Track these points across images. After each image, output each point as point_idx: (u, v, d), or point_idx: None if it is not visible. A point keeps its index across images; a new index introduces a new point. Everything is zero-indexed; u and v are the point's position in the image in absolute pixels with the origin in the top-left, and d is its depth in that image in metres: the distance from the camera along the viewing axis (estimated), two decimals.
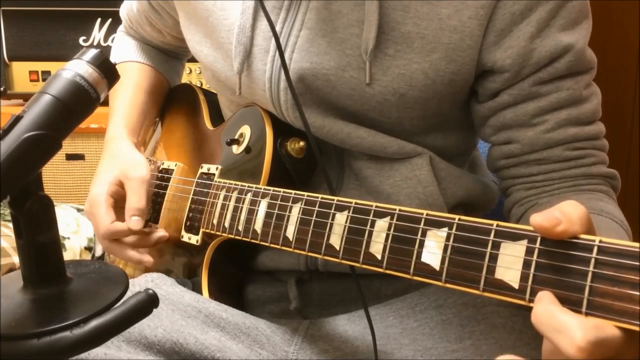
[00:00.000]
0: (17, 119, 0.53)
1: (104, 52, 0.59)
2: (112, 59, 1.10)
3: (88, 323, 0.51)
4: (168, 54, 1.17)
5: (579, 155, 0.81)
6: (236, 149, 0.90)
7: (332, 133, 0.82)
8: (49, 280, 0.56)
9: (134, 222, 0.88)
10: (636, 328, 0.44)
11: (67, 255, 1.49)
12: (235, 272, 0.93)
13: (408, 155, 0.84)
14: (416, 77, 0.78)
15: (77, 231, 1.56)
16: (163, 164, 1.04)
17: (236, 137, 0.90)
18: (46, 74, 1.78)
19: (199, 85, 1.76)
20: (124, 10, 1.15)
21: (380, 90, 0.79)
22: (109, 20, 1.76)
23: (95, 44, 1.77)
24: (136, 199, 0.90)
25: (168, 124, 1.12)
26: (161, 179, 1.02)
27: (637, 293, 0.44)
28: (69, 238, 1.53)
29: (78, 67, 0.57)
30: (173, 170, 1.00)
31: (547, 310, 0.47)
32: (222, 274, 0.89)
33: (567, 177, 0.81)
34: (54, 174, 1.74)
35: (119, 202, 0.93)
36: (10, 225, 1.20)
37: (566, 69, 0.78)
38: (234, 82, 0.86)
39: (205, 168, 0.94)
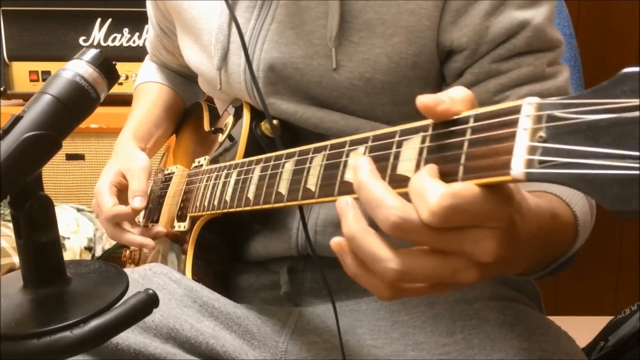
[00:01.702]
0: (17, 119, 0.53)
1: (104, 52, 0.59)
2: (137, 81, 1.22)
3: (88, 323, 0.51)
4: (185, 77, 1.22)
5: None
6: (221, 137, 0.95)
7: (304, 118, 0.85)
8: (49, 280, 0.56)
9: (137, 201, 0.93)
10: (502, 179, 0.44)
11: (67, 255, 1.49)
12: (222, 257, 0.95)
13: None
14: (380, 61, 0.81)
15: (77, 231, 1.56)
16: (168, 170, 1.08)
17: (222, 127, 0.95)
18: (46, 74, 1.78)
19: None
20: (147, 39, 1.22)
21: (347, 75, 0.82)
22: (109, 20, 1.76)
23: (95, 44, 1.77)
24: (137, 183, 0.95)
25: (179, 139, 1.18)
26: (165, 182, 1.06)
27: (501, 145, 0.44)
28: (69, 238, 1.53)
29: (78, 67, 0.57)
30: (174, 173, 1.03)
31: (419, 177, 0.47)
32: (208, 256, 0.91)
33: None
34: (54, 174, 1.74)
35: (122, 193, 0.97)
36: (10, 225, 1.20)
37: (525, 46, 0.78)
38: (216, 78, 0.91)
39: (196, 162, 0.98)
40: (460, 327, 0.78)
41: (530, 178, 0.42)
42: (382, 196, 0.48)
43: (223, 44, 0.88)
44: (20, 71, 1.78)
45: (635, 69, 0.38)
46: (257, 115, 0.89)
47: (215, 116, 1.07)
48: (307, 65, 0.83)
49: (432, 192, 0.45)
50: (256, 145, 0.88)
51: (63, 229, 1.52)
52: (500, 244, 0.47)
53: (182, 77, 1.21)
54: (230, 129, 0.93)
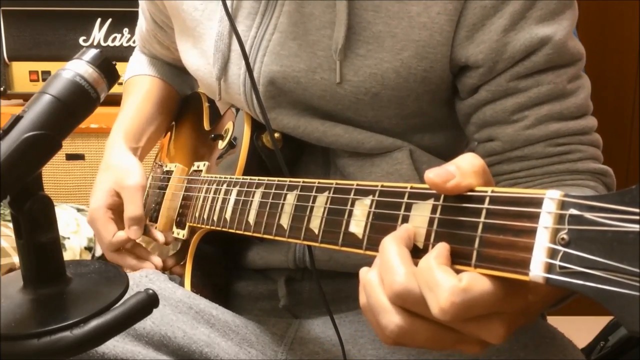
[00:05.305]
0: (17, 119, 0.53)
1: (104, 52, 0.59)
2: (127, 74, 1.15)
3: (88, 323, 0.51)
4: (179, 68, 1.17)
5: (563, 151, 0.78)
6: (220, 144, 0.93)
7: (307, 132, 0.83)
8: (49, 280, 0.56)
9: (133, 231, 0.90)
10: (519, 277, 0.42)
11: (67, 255, 1.49)
12: (221, 268, 0.94)
13: (387, 149, 0.83)
14: (388, 76, 0.78)
15: (77, 231, 1.56)
16: (167, 166, 1.06)
17: (222, 133, 0.93)
18: (46, 74, 1.78)
19: None
20: (137, 31, 1.17)
21: (351, 90, 0.79)
22: (109, 20, 1.76)
23: (95, 44, 1.77)
24: (132, 208, 0.91)
25: (177, 130, 1.15)
26: (164, 180, 1.05)
27: (519, 239, 0.42)
28: (69, 238, 1.53)
29: (78, 67, 0.57)
30: (173, 171, 1.02)
31: (428, 265, 0.45)
32: (206, 268, 0.91)
33: (551, 173, 0.79)
34: (54, 174, 1.74)
35: (118, 211, 0.94)
36: (10, 225, 1.20)
37: (545, 63, 0.75)
38: (215, 88, 0.88)
39: (195, 166, 0.97)
40: None
41: (549, 283, 0.40)
42: (392, 261, 0.47)
43: (223, 52, 0.85)
44: (20, 71, 1.78)
45: None
46: (258, 126, 0.87)
47: (215, 113, 1.05)
48: (309, 80, 0.80)
49: (442, 287, 0.43)
50: (257, 156, 0.86)
51: (63, 229, 1.52)
52: (510, 327, 0.46)
53: (175, 69, 1.15)
54: (231, 136, 0.91)
